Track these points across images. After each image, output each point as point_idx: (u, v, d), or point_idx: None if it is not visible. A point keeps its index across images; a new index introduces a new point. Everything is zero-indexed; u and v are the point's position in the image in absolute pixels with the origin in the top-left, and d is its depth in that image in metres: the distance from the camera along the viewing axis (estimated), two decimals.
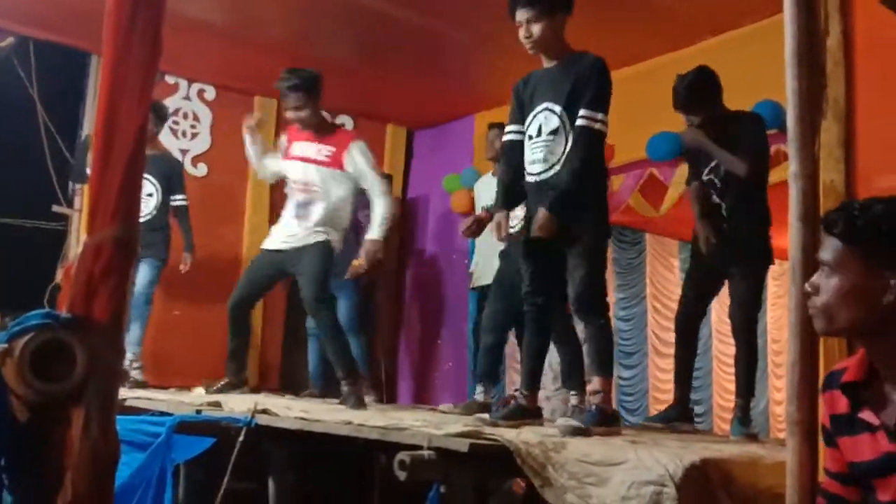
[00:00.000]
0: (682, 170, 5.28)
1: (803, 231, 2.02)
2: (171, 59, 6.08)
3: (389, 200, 4.65)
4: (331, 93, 6.86)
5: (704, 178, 4.24)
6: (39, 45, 5.90)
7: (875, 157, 2.10)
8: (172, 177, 5.67)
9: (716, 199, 4.18)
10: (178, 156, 6.30)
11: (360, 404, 4.31)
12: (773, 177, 4.14)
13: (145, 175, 5.40)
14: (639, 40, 3.40)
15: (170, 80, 6.54)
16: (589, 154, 3.40)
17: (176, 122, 6.54)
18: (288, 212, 4.71)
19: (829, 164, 2.12)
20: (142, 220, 5.25)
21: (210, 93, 6.76)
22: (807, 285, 1.71)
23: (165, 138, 6.15)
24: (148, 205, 5.49)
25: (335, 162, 4.60)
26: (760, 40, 4.70)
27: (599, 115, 3.39)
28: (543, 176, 3.47)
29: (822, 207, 2.05)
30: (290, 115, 4.68)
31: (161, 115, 5.67)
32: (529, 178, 3.54)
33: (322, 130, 4.72)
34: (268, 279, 4.80)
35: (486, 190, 5.72)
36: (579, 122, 3.37)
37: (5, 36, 5.85)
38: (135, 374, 5.26)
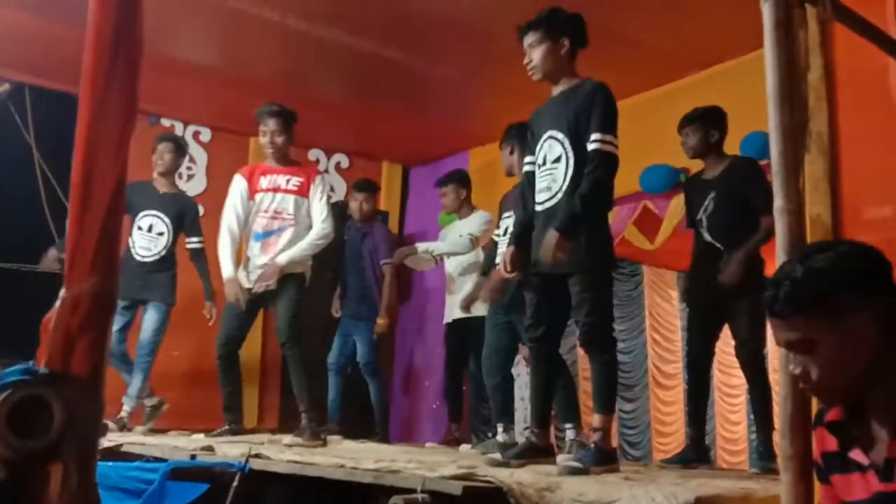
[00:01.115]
0: (677, 202, 5.30)
1: None
2: (166, 101, 6.17)
3: (326, 230, 4.75)
4: (325, 132, 6.95)
5: (697, 218, 4.28)
6: (35, 90, 5.93)
7: (860, 189, 2.10)
8: (186, 217, 5.52)
9: (707, 237, 4.21)
10: None
11: (315, 437, 4.52)
12: None
13: (158, 213, 5.37)
14: (627, 75, 3.44)
15: (165, 122, 6.59)
16: (603, 176, 3.32)
17: None
18: (253, 246, 4.80)
19: (815, 198, 2.13)
20: (151, 259, 5.32)
21: (206, 135, 6.80)
22: (794, 372, 1.57)
23: None
24: (158, 244, 5.37)
25: (304, 191, 4.78)
26: (748, 73, 4.70)
27: (609, 137, 3.32)
28: (547, 205, 3.43)
29: (809, 241, 2.04)
30: (264, 140, 4.79)
31: (181, 150, 5.64)
32: (537, 208, 3.49)
33: (289, 163, 4.89)
34: (248, 314, 4.86)
35: (444, 240, 5.83)
36: (591, 145, 3.31)
37: (1, 83, 5.89)
38: (122, 416, 5.16)
